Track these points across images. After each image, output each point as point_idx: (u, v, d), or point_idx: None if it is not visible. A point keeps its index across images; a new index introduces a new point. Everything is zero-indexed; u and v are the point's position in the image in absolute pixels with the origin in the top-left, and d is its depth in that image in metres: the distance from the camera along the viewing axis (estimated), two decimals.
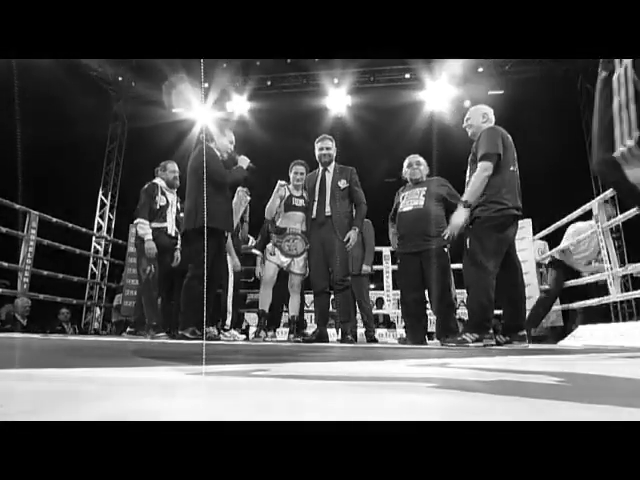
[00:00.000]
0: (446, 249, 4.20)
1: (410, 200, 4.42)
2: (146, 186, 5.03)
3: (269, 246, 4.74)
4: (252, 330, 8.81)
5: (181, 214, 5.03)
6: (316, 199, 4.69)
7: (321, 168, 4.81)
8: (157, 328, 4.76)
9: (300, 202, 4.71)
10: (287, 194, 4.68)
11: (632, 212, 4.74)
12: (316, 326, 4.80)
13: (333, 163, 4.79)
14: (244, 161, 4.45)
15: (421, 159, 4.63)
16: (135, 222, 4.94)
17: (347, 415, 0.54)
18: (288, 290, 4.85)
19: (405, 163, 4.69)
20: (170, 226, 4.98)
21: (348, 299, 4.62)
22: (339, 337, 5.33)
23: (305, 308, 6.29)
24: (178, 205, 5.15)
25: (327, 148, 4.81)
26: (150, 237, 4.80)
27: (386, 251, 7.73)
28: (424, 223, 4.22)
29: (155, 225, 4.90)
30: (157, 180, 5.09)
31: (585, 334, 5.00)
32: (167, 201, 4.99)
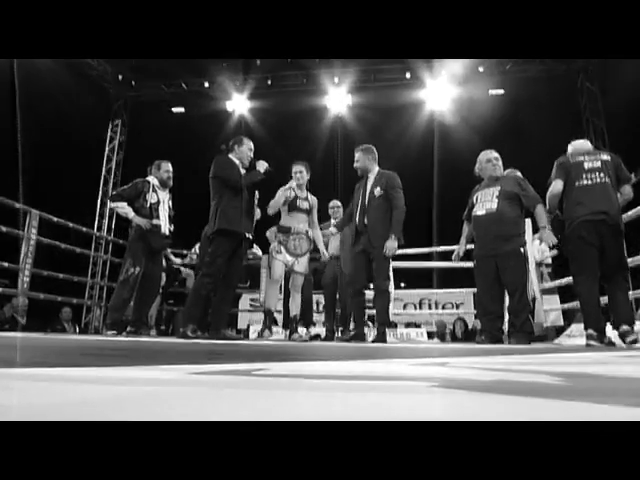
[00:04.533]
0: (522, 249, 4.23)
1: (484, 202, 4.44)
2: (137, 180, 5.04)
3: (275, 245, 4.76)
4: (252, 329, 8.84)
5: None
6: (357, 207, 4.75)
7: (365, 176, 4.86)
8: (111, 326, 4.83)
9: (305, 205, 4.77)
10: (293, 195, 4.74)
11: (633, 212, 4.74)
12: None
13: (376, 168, 4.81)
14: (262, 165, 4.54)
15: (498, 154, 4.58)
16: (112, 207, 5.02)
17: (346, 415, 0.55)
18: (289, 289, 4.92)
19: (482, 158, 4.61)
20: (163, 224, 5.00)
21: (385, 302, 4.69)
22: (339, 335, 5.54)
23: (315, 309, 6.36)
24: (170, 203, 5.18)
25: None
26: (133, 214, 4.83)
27: None
28: (498, 226, 4.27)
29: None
30: (150, 178, 5.10)
31: (579, 333, 5.01)
32: (158, 199, 4.99)
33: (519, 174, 4.71)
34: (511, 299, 4.18)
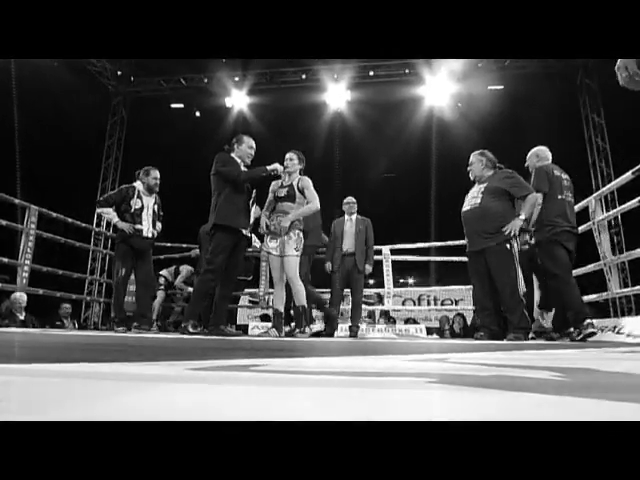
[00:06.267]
0: (509, 245, 4.20)
1: (470, 199, 4.50)
2: (123, 186, 5.34)
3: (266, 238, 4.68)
4: (251, 325, 8.85)
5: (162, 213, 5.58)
6: None
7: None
8: (119, 323, 5.11)
9: (282, 192, 4.59)
10: (277, 186, 4.66)
11: (628, 205, 4.77)
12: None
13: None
14: (274, 165, 4.54)
15: (474, 157, 4.60)
16: (98, 212, 5.38)
17: (345, 412, 0.55)
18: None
19: None
20: (146, 228, 5.25)
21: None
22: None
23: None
24: (156, 208, 5.42)
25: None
26: (117, 219, 5.15)
27: (385, 250, 7.71)
28: (482, 221, 4.31)
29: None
30: (136, 184, 5.34)
31: None
32: (142, 204, 5.26)
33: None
34: (502, 296, 4.16)
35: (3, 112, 8.27)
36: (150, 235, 5.30)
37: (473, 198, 4.42)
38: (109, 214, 5.18)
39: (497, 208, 4.26)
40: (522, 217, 4.17)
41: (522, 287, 4.23)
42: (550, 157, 4.68)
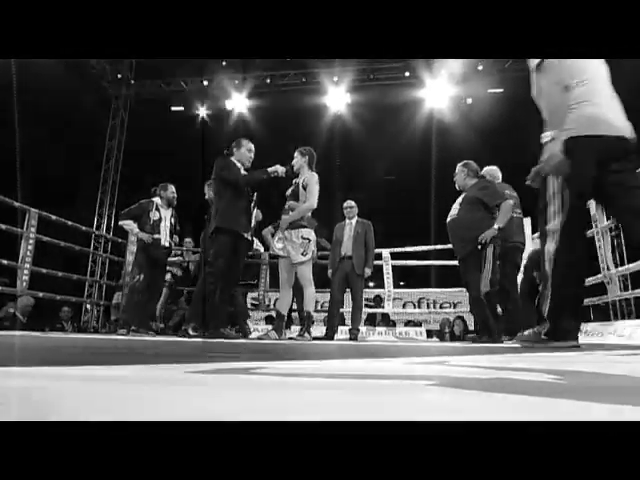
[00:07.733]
0: (481, 248, 4.35)
1: (452, 210, 4.68)
2: (143, 200, 5.77)
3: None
4: (252, 327, 8.84)
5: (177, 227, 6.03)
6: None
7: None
8: (123, 325, 5.49)
9: (289, 190, 4.70)
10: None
11: None
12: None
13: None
14: (274, 167, 4.57)
15: (458, 168, 4.77)
16: (120, 224, 5.84)
17: (345, 414, 0.55)
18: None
19: None
20: (163, 238, 5.69)
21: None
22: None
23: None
24: (172, 220, 5.87)
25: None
26: (137, 230, 5.61)
27: (385, 253, 7.71)
28: (460, 231, 4.50)
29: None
30: (154, 198, 5.79)
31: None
32: (160, 216, 5.71)
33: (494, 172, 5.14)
34: (469, 298, 4.42)
35: (3, 113, 8.27)
36: (167, 244, 5.73)
37: (454, 208, 4.65)
38: (130, 225, 5.67)
39: (474, 217, 4.45)
40: (496, 227, 4.35)
41: (485, 286, 4.32)
42: (500, 177, 5.08)
